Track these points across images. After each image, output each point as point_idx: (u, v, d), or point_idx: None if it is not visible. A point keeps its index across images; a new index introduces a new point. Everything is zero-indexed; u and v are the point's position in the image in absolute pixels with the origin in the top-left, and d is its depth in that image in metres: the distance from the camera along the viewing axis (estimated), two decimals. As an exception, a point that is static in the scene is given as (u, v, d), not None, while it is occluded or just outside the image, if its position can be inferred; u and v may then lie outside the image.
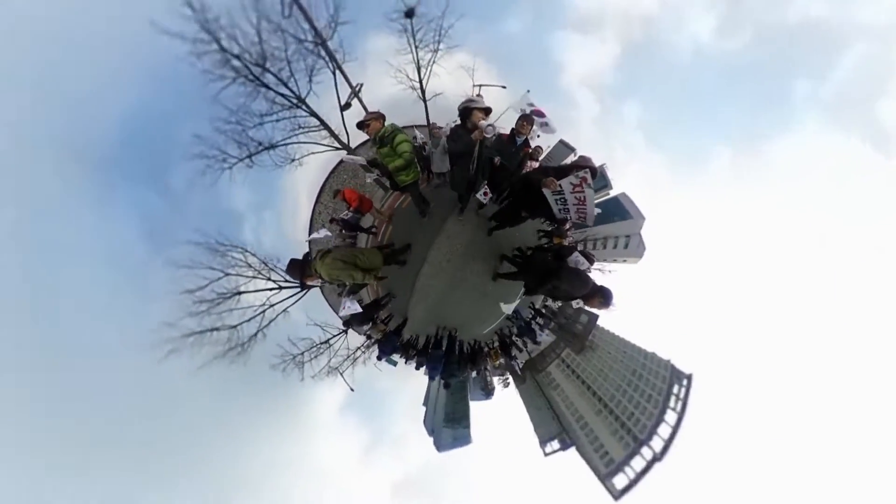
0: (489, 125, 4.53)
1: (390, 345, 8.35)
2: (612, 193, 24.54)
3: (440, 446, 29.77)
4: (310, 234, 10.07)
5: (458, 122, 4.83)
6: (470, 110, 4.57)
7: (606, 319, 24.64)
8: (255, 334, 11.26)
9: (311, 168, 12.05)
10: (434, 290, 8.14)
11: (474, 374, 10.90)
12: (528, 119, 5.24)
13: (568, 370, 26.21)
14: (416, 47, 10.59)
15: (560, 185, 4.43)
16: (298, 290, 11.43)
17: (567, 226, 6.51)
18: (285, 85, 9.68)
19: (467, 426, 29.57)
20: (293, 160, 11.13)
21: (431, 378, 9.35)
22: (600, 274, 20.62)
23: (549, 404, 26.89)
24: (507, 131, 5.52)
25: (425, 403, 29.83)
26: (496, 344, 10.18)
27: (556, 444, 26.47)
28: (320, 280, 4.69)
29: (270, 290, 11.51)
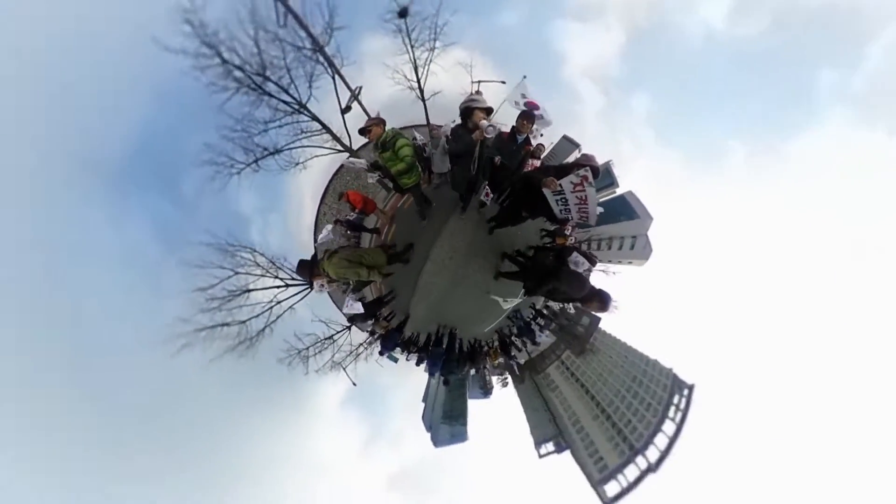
0: (490, 125, 4.45)
1: (392, 341, 8.52)
2: (619, 192, 23.80)
3: (437, 442, 29.84)
4: (316, 237, 10.37)
5: (459, 121, 4.78)
6: (471, 110, 4.53)
7: (609, 322, 24.40)
8: (263, 329, 11.69)
9: (314, 171, 12.43)
10: (436, 288, 8.22)
11: (473, 372, 11.07)
12: (528, 117, 5.05)
13: (567, 372, 26.01)
14: (412, 47, 10.66)
15: (560, 185, 4.35)
16: (304, 287, 11.72)
17: (569, 226, 6.34)
18: (286, 92, 9.98)
19: (464, 423, 29.71)
20: (297, 164, 11.49)
21: (431, 375, 9.49)
22: (604, 276, 20.34)
23: (546, 406, 26.77)
24: (508, 129, 5.30)
25: (424, 400, 29.93)
26: (496, 343, 10.31)
27: (551, 447, 26.36)
28: (328, 279, 4.86)
29: (277, 287, 11.91)
